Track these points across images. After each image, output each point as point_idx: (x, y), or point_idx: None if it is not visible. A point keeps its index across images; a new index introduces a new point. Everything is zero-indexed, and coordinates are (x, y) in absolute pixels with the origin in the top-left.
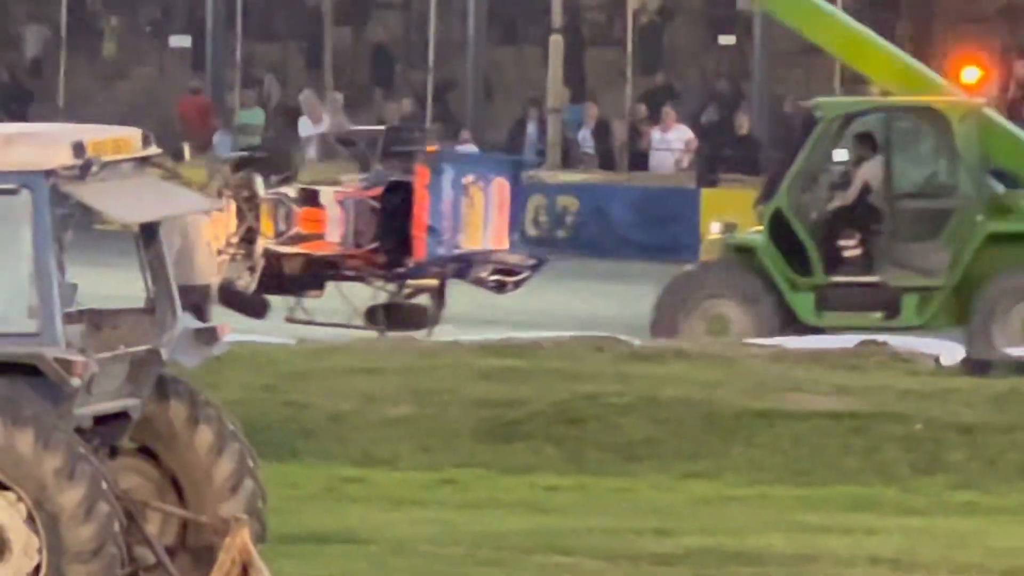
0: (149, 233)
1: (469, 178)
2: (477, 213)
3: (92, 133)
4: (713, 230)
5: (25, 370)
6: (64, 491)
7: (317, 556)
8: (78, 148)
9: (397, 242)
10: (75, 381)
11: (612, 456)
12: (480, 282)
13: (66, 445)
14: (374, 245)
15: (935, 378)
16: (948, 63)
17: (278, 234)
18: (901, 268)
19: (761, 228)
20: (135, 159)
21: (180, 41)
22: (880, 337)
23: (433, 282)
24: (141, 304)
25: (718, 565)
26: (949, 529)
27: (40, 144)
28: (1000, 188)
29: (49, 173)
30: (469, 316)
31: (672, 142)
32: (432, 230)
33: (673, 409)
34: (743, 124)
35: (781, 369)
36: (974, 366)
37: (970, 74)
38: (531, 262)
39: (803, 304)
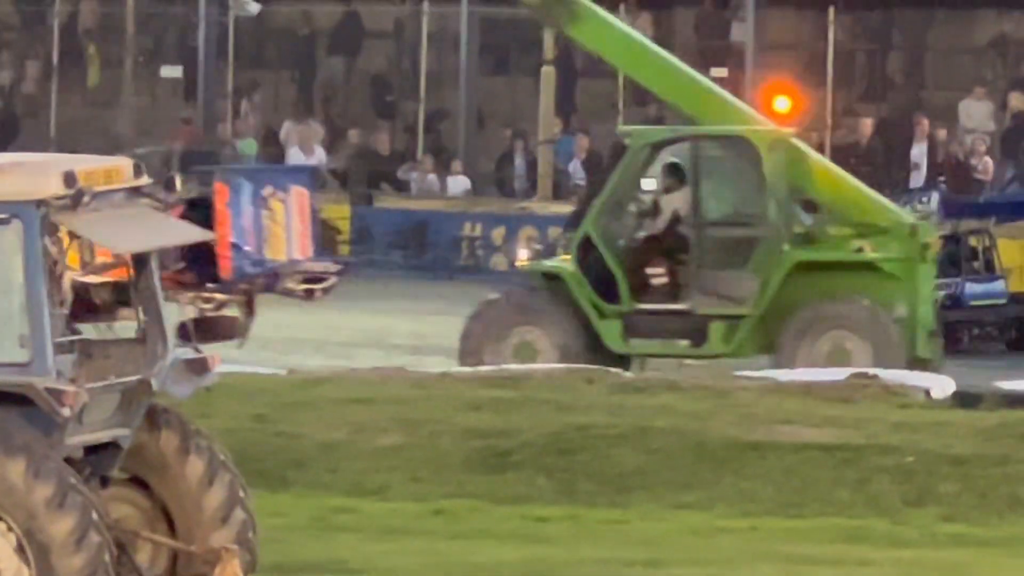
0: (140, 263)
1: (268, 190)
2: (279, 224)
3: (83, 163)
4: (521, 256)
5: (16, 400)
6: (55, 521)
7: None
8: (69, 178)
9: (203, 261)
10: (66, 411)
11: (603, 487)
12: (289, 292)
13: (57, 475)
14: (180, 266)
15: (926, 411)
16: (760, 92)
17: (83, 265)
18: (708, 296)
19: (569, 255)
20: (126, 189)
21: (171, 71)
22: (871, 370)
23: (241, 297)
24: (134, 334)
25: None
26: (940, 561)
27: (31, 174)
28: (807, 218)
29: (40, 203)
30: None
31: None
32: (236, 247)
33: (664, 440)
34: None
35: (772, 401)
36: (964, 399)
37: (781, 104)
38: (336, 267)
39: (610, 331)
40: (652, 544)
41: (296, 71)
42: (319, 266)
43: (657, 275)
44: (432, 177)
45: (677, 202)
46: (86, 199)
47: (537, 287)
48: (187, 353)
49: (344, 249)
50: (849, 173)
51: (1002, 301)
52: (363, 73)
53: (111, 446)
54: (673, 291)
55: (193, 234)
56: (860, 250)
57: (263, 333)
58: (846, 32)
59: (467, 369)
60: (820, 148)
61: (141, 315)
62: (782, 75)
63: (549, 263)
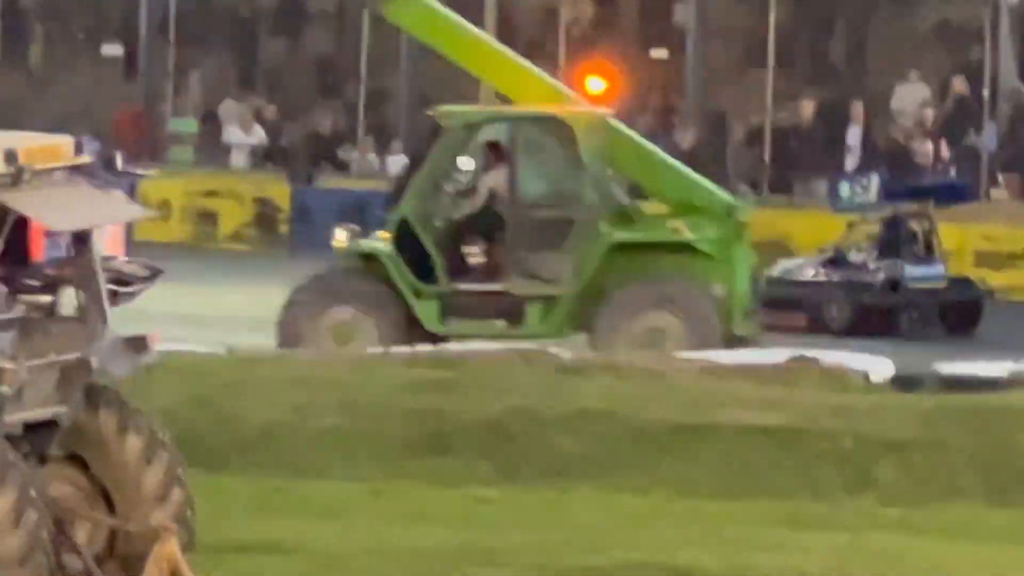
0: (80, 241)
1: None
2: None
3: (24, 141)
4: (338, 236)
5: None
6: None
7: (246, 567)
8: (10, 156)
9: (14, 247)
10: (4, 388)
11: (542, 470)
12: None
13: None
14: None
15: (865, 394)
16: (574, 73)
17: None
18: (525, 277)
19: (387, 235)
20: (67, 167)
21: (113, 49)
22: (810, 352)
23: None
24: (73, 313)
25: None
26: (879, 546)
27: None
28: (624, 198)
29: None
30: None
31: None
32: (50, 234)
33: (603, 423)
34: (685, 139)
35: (711, 384)
36: (903, 382)
37: (595, 84)
38: (146, 273)
39: (427, 312)
40: (591, 528)
41: (237, 51)
42: (129, 268)
43: (474, 255)
44: (372, 156)
45: (494, 181)
46: (27, 176)
47: (354, 268)
48: (127, 331)
49: (284, 228)
50: (788, 155)
51: (942, 284)
52: (306, 54)
53: (50, 424)
54: (490, 271)
55: (134, 212)
56: (677, 230)
57: (201, 312)
58: (788, 16)
59: (406, 349)
60: (760, 130)
61: (81, 293)
62: (725, 58)
63: (366, 243)
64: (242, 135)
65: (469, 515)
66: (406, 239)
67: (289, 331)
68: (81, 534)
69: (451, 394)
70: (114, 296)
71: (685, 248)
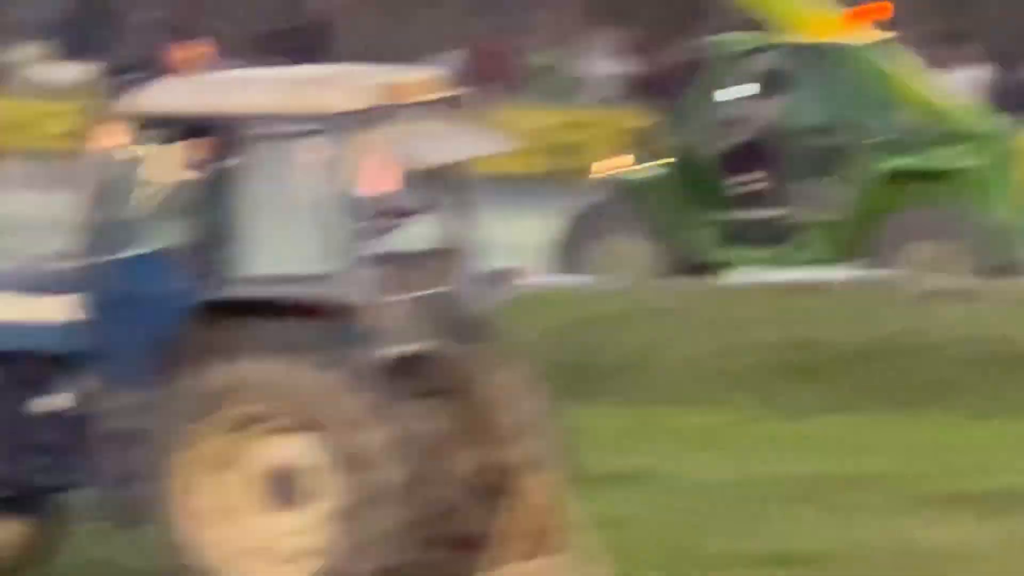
0: (452, 174)
1: None
2: None
3: (392, 74)
4: (609, 165)
5: (326, 313)
6: (366, 434)
7: (616, 497)
8: (378, 90)
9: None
10: (375, 324)
11: (904, 396)
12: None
13: (367, 388)
14: None
15: None
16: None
17: None
18: (800, 203)
19: (662, 163)
20: (436, 100)
21: None
22: None
23: None
24: (441, 246)
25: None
26: None
27: (340, 86)
28: (904, 124)
29: (349, 115)
30: None
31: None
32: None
33: (969, 349)
34: None
35: None
36: None
37: (870, 10)
38: (419, 205)
39: (702, 240)
40: (952, 455)
41: None
42: (404, 200)
43: (748, 183)
44: None
45: (769, 109)
46: (396, 111)
47: (626, 196)
48: (495, 264)
49: None
50: None
51: None
52: None
53: (419, 358)
54: (764, 199)
55: (501, 144)
56: (951, 157)
57: None
58: None
59: (769, 278)
60: None
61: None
62: None
63: (640, 173)
64: (604, 66)
65: (833, 443)
66: (680, 167)
67: (564, 259)
68: (453, 469)
69: (816, 323)
70: (389, 228)
71: (960, 175)
